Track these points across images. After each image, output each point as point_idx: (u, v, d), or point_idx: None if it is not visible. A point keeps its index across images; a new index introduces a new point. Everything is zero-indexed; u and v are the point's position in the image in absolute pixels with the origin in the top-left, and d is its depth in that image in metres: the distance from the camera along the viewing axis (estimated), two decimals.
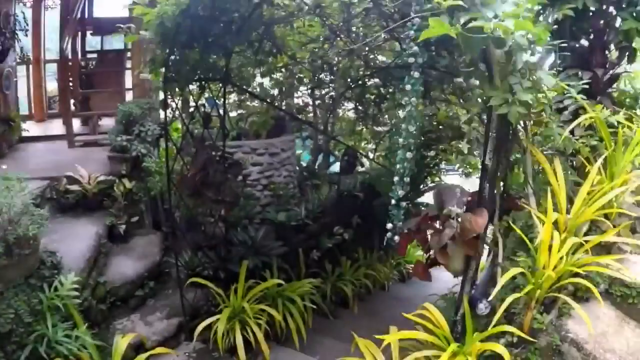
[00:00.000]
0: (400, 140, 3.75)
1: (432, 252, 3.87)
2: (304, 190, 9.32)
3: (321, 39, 7.21)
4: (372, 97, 8.12)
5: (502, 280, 3.47)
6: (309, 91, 7.33)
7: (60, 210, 6.61)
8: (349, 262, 9.34)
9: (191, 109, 7.77)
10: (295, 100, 9.30)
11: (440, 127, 10.67)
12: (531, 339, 3.49)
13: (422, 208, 8.31)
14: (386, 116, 9.46)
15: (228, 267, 6.36)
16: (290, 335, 6.25)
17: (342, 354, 7.00)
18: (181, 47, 4.57)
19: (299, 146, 12.70)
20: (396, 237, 3.78)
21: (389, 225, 3.74)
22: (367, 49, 7.00)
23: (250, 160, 8.05)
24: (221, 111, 5.86)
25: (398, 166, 3.69)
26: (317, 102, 7.79)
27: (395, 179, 3.70)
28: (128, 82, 9.61)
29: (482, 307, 3.82)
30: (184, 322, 5.95)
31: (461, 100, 7.59)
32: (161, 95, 5.32)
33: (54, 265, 4.74)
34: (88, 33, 10.69)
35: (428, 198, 12.34)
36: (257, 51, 5.44)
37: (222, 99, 5.35)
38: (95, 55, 11.03)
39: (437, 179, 13.14)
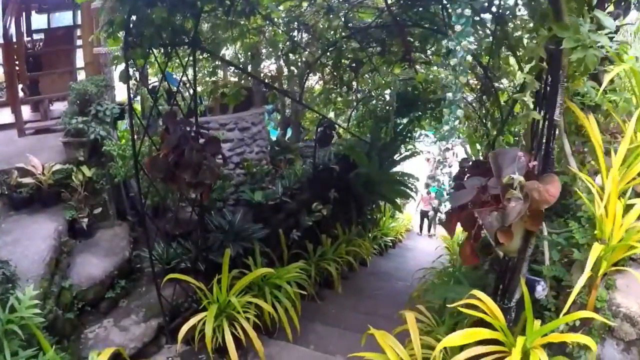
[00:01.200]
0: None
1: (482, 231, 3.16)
2: (278, 166, 8.69)
3: None
4: (348, 62, 7.50)
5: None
6: (283, 56, 6.64)
7: (13, 207, 5.82)
8: (329, 239, 8.84)
9: (153, 84, 7.04)
10: (267, 67, 8.58)
11: (416, 92, 10.21)
12: (607, 322, 3.03)
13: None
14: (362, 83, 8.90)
15: (208, 257, 5.72)
16: (281, 326, 5.69)
17: (336, 341, 6.60)
18: (144, 6, 3.84)
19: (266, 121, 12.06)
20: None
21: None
22: (347, 5, 6.37)
23: (220, 137, 7.36)
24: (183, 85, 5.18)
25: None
26: (291, 68, 7.12)
27: None
28: (80, 61, 8.69)
29: (540, 290, 3.30)
30: (164, 323, 5.27)
31: (449, 62, 7.04)
32: (120, 69, 4.55)
33: (7, 278, 3.90)
34: (33, 11, 9.64)
35: (403, 167, 12.02)
36: (229, 11, 4.72)
37: (193, 66, 4.61)
38: (42, 35, 10.00)
39: (410, 146, 12.75)
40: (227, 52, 7.85)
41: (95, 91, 6.38)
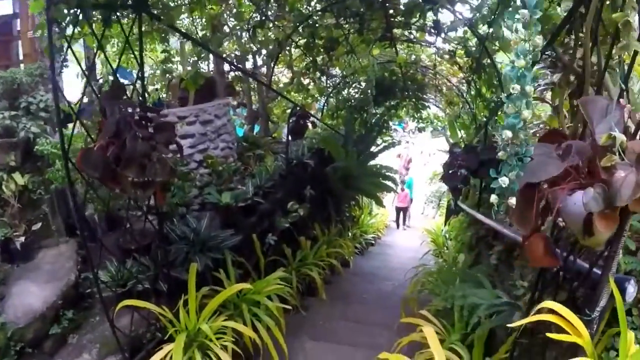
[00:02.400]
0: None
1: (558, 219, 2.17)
2: (247, 163, 7.76)
3: None
4: (322, 42, 6.61)
5: None
6: (250, 32, 5.70)
7: None
8: (308, 241, 7.97)
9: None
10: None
11: (394, 77, 9.40)
12: None
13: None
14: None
15: (171, 275, 4.74)
16: (265, 348, 4.76)
17: (331, 358, 5.78)
18: None
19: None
20: None
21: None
22: None
23: (179, 131, 6.41)
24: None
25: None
26: (259, 47, 6.21)
27: None
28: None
29: (632, 291, 2.42)
30: None
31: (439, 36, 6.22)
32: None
33: None
34: None
35: (381, 160, 11.25)
36: None
37: (139, 37, 3.65)
38: None
39: (387, 137, 11.99)
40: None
41: (29, 81, 5.36)
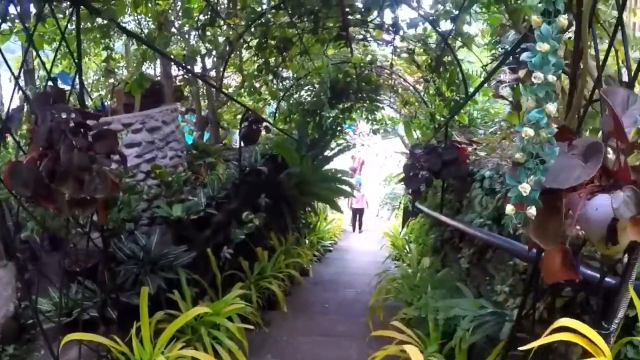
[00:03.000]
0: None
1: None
2: (198, 172, 7.31)
3: None
4: (275, 41, 6.25)
5: None
6: (199, 31, 5.26)
7: None
8: (266, 252, 7.57)
9: None
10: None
11: (348, 78, 9.11)
12: None
13: None
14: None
15: (120, 300, 4.28)
16: None
17: None
18: None
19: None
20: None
21: None
22: None
23: (125, 140, 5.93)
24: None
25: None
26: (209, 48, 5.77)
27: None
28: None
29: None
30: None
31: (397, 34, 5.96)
32: None
33: None
34: None
35: (335, 164, 10.96)
36: None
37: (77, 31, 3.18)
38: None
39: (341, 140, 11.70)
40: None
41: None
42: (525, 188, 1.64)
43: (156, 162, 6.60)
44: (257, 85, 6.99)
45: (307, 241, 10.50)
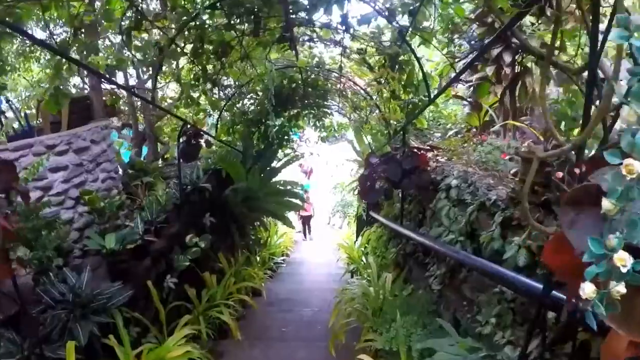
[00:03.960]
0: None
1: None
2: (135, 194, 6.63)
3: None
4: (212, 46, 5.64)
5: None
6: (124, 37, 4.58)
7: None
8: (214, 277, 6.96)
9: None
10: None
11: (293, 84, 8.56)
12: None
13: None
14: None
15: (44, 355, 3.60)
16: None
17: None
18: None
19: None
20: None
21: None
22: None
23: (47, 164, 5.21)
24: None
25: None
26: (137, 54, 5.08)
27: None
28: None
29: None
30: None
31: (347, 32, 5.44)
32: None
33: None
34: None
35: (284, 176, 10.41)
36: None
37: None
38: None
39: (289, 150, 11.16)
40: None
41: None
42: (623, 260, 1.05)
43: (86, 186, 5.89)
44: (196, 95, 6.34)
45: (257, 258, 9.88)
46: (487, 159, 5.20)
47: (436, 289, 4.89)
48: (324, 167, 20.49)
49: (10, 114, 7.44)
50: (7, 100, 7.15)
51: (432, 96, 5.14)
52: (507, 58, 5.20)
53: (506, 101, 5.83)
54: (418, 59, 5.15)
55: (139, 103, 8.63)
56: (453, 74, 6.85)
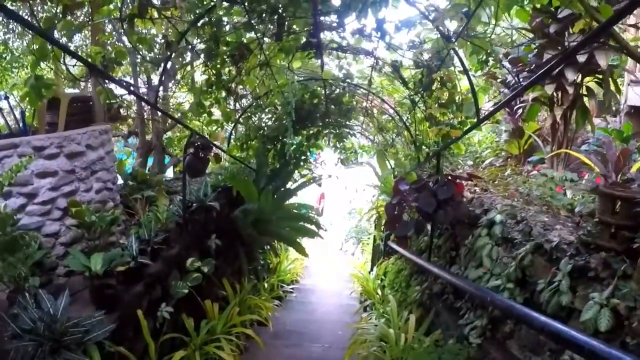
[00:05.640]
0: None
1: None
2: (134, 208, 5.95)
3: None
4: (228, 48, 4.99)
5: None
6: (125, 24, 3.91)
7: None
8: (216, 305, 6.24)
9: None
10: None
11: (315, 99, 7.88)
12: None
13: None
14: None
15: None
16: None
17: None
18: None
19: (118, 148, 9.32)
20: None
21: None
22: None
23: (32, 168, 4.57)
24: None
25: None
26: (141, 50, 4.42)
27: None
28: None
29: None
30: None
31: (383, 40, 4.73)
32: None
33: None
34: None
35: (299, 198, 9.73)
36: None
37: None
38: None
39: (306, 171, 10.46)
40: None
41: None
42: None
43: (77, 196, 5.22)
44: (207, 103, 5.67)
45: (265, 284, 9.11)
46: (542, 193, 4.47)
47: (475, 342, 4.11)
48: (342, 192, 19.64)
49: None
50: (6, 97, 6.55)
51: (479, 117, 4.39)
52: (571, 76, 4.48)
53: (559, 127, 5.10)
54: (467, 72, 4.41)
55: (147, 108, 7.98)
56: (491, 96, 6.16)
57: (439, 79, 5.10)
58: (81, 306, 4.37)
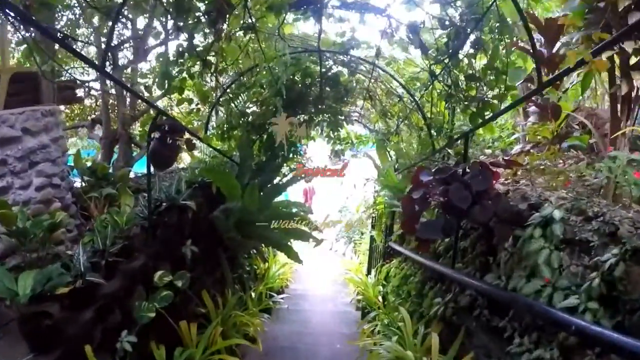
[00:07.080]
0: None
1: None
2: (89, 210, 4.80)
3: None
4: (202, 14, 3.86)
5: None
6: None
7: None
8: (194, 326, 5.11)
9: None
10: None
11: (307, 79, 6.72)
12: None
13: None
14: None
15: None
16: None
17: None
18: None
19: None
20: None
21: None
22: None
23: None
24: None
25: None
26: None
27: None
28: None
29: None
30: None
31: None
32: None
33: None
34: None
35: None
36: None
37: None
38: None
39: (293, 165, 9.28)
40: None
41: None
42: None
43: (10, 194, 4.07)
44: (180, 76, 4.52)
45: (253, 294, 7.96)
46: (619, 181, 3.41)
47: None
48: (335, 187, 18.46)
49: None
50: None
51: (541, 79, 3.26)
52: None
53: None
54: (521, 11, 3.19)
55: (113, 91, 6.75)
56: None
57: (470, 42, 3.99)
58: (9, 345, 3.25)
